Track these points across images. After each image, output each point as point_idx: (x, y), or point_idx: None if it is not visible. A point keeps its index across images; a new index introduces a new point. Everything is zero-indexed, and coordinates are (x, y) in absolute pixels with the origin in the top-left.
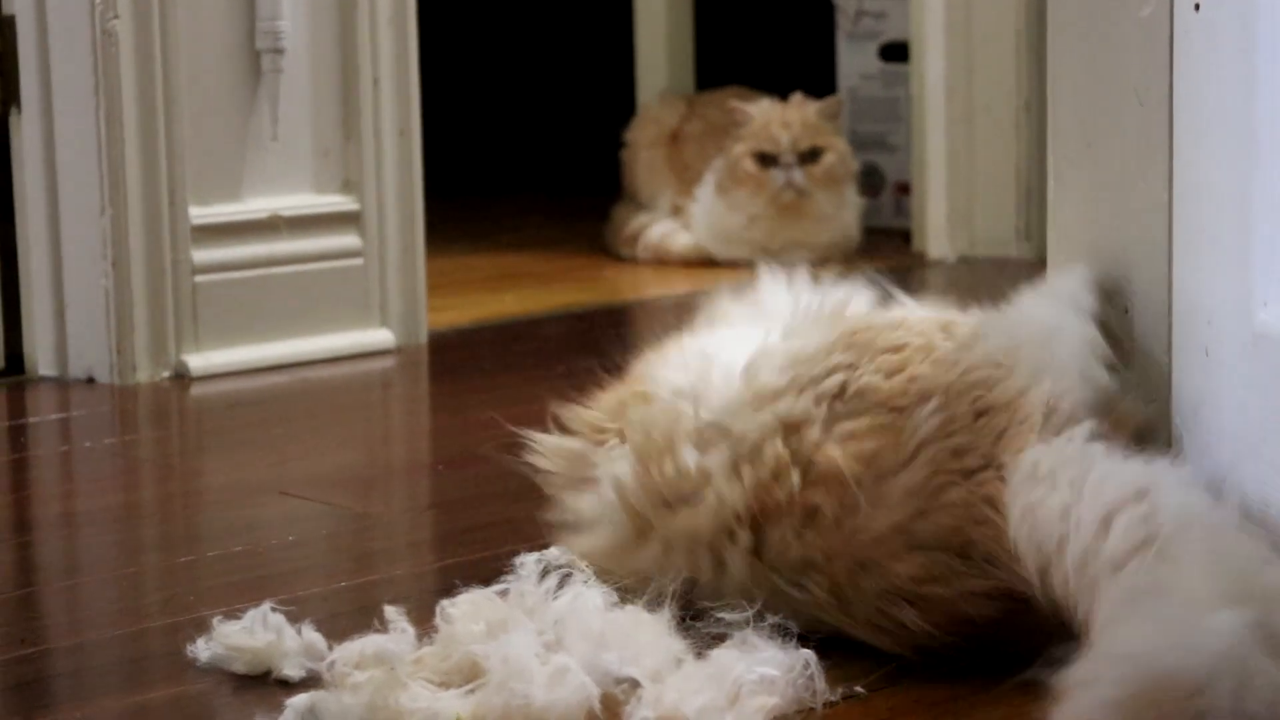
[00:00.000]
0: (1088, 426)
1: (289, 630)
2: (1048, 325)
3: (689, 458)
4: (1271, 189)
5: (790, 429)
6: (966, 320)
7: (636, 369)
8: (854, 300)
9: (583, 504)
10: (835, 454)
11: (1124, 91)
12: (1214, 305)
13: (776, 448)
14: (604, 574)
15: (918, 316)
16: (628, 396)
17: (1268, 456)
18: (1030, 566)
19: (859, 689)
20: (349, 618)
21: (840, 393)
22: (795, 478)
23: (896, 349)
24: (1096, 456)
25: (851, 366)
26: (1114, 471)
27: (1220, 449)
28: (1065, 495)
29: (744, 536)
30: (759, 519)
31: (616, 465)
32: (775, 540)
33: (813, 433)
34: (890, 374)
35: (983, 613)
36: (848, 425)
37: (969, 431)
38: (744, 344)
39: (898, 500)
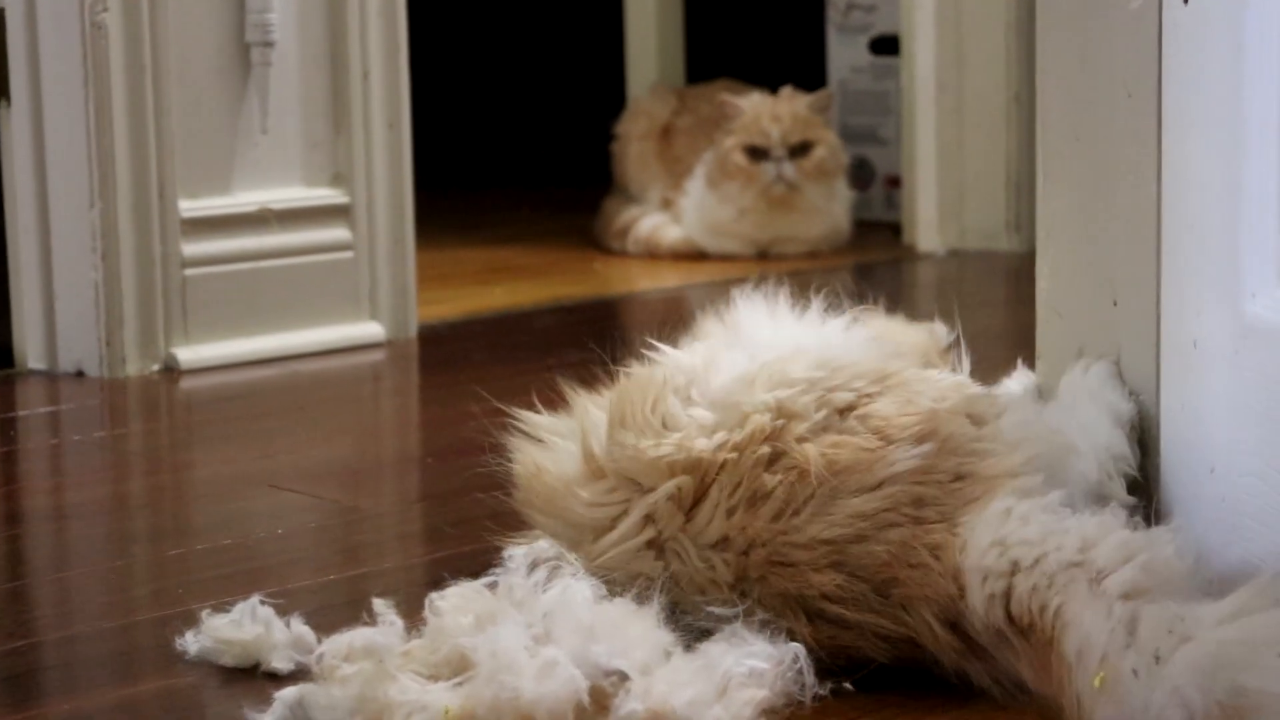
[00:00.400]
0: (1059, 494)
1: (278, 623)
2: (1066, 443)
3: (672, 405)
4: (1260, 181)
5: (782, 414)
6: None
7: None
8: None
9: (553, 424)
10: (811, 451)
11: (1113, 84)
12: (1203, 297)
13: (762, 420)
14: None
15: (952, 402)
16: None
17: (1255, 447)
18: (981, 593)
19: (847, 685)
20: (338, 610)
21: (847, 409)
22: (765, 449)
23: (912, 401)
24: (1068, 512)
25: (870, 398)
26: (1092, 519)
27: (1208, 440)
28: (1044, 525)
29: (684, 485)
30: (706, 478)
31: (592, 411)
32: (705, 508)
33: (801, 427)
34: (906, 413)
35: (872, 653)
36: (835, 437)
37: (940, 488)
38: (759, 344)
39: (842, 519)
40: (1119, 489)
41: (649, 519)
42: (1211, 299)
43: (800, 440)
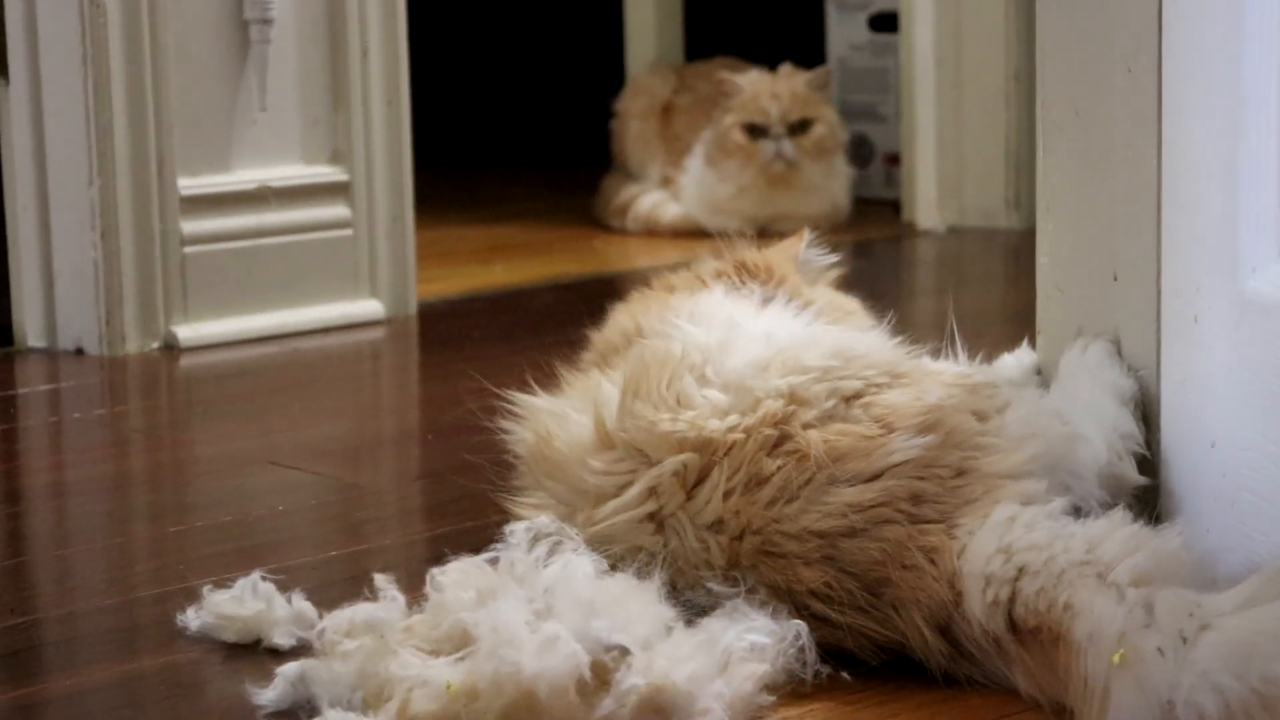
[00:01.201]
0: (1063, 501)
1: (279, 599)
2: (1072, 433)
3: (688, 384)
4: (1259, 156)
5: (794, 400)
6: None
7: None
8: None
9: (549, 403)
10: (814, 436)
11: (1113, 60)
12: (1203, 272)
13: (773, 405)
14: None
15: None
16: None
17: (1255, 422)
18: (983, 599)
19: (844, 675)
20: (339, 586)
21: (854, 397)
22: (770, 433)
23: (943, 384)
24: (1070, 520)
25: (879, 389)
26: (1098, 522)
27: (1209, 415)
28: (1050, 531)
29: (690, 462)
30: (712, 458)
31: (605, 385)
32: (706, 488)
33: (810, 414)
34: (920, 398)
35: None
36: (840, 425)
37: (940, 484)
38: (773, 321)
39: (836, 509)
40: (1130, 468)
41: (652, 492)
42: (1212, 274)
43: (807, 426)
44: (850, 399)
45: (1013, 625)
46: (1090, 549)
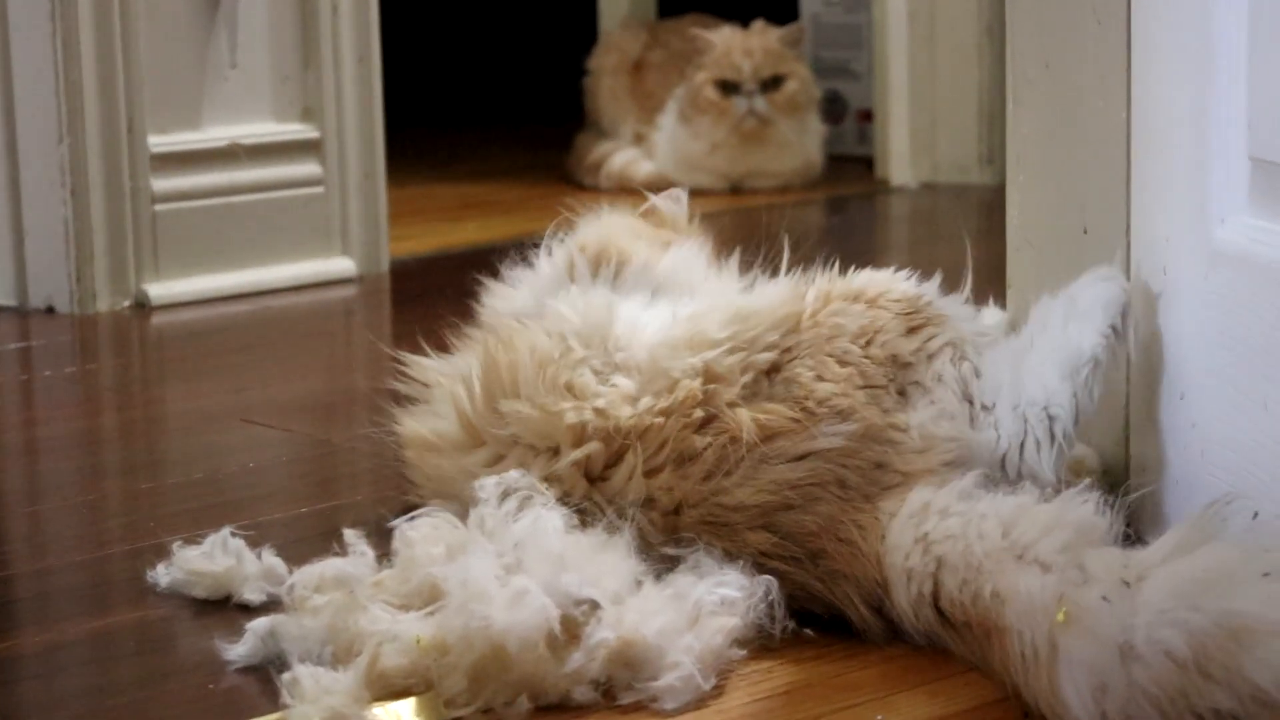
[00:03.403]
0: (975, 475)
1: (249, 555)
2: (968, 440)
3: (581, 375)
4: (1228, 107)
5: (709, 377)
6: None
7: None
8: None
9: (442, 366)
10: (743, 415)
11: (1082, 11)
12: (1171, 223)
13: (692, 385)
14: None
15: (888, 311)
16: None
17: (1223, 372)
18: (907, 594)
19: (808, 632)
20: (310, 543)
21: (771, 370)
22: (698, 414)
23: (841, 360)
24: (984, 496)
25: (788, 351)
26: (1008, 500)
27: (1178, 366)
28: (963, 516)
29: (594, 453)
30: (623, 444)
31: (461, 378)
32: (622, 471)
33: (731, 391)
34: (822, 378)
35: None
36: (765, 404)
37: (861, 475)
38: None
39: (769, 484)
40: (1044, 463)
41: (553, 480)
42: (1181, 225)
43: (731, 405)
44: (770, 373)
45: (941, 615)
46: (1005, 532)
